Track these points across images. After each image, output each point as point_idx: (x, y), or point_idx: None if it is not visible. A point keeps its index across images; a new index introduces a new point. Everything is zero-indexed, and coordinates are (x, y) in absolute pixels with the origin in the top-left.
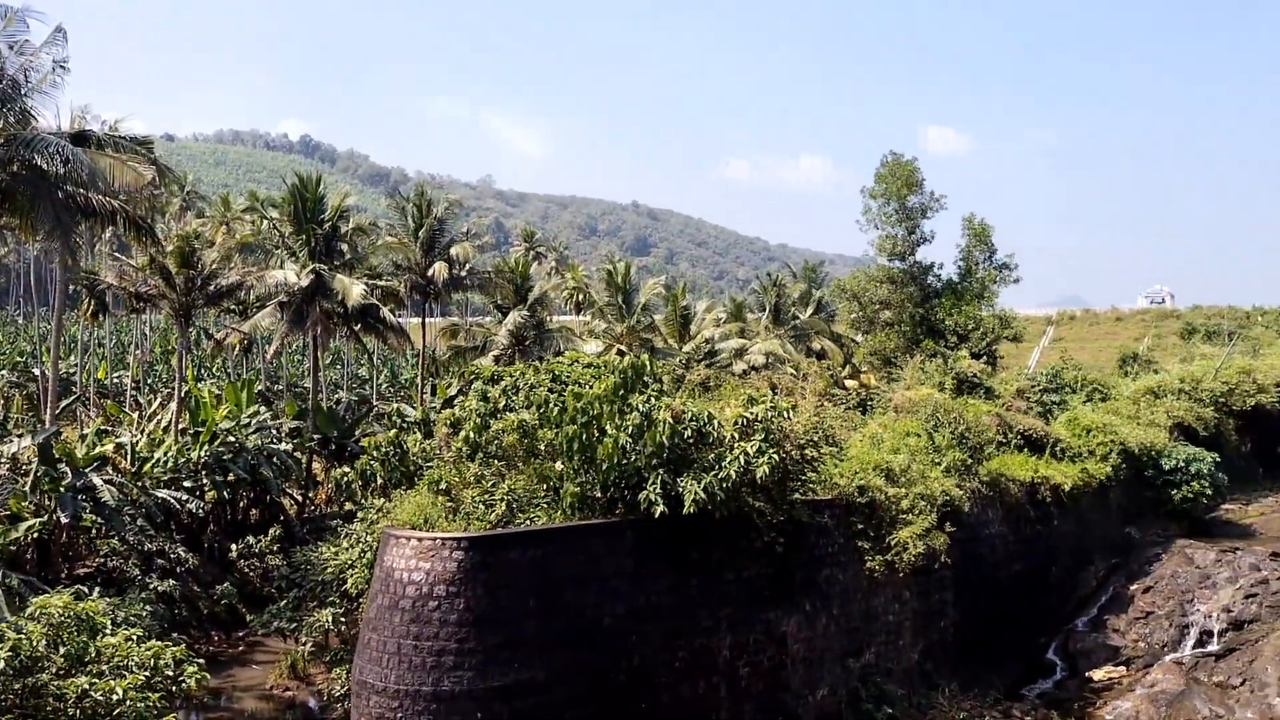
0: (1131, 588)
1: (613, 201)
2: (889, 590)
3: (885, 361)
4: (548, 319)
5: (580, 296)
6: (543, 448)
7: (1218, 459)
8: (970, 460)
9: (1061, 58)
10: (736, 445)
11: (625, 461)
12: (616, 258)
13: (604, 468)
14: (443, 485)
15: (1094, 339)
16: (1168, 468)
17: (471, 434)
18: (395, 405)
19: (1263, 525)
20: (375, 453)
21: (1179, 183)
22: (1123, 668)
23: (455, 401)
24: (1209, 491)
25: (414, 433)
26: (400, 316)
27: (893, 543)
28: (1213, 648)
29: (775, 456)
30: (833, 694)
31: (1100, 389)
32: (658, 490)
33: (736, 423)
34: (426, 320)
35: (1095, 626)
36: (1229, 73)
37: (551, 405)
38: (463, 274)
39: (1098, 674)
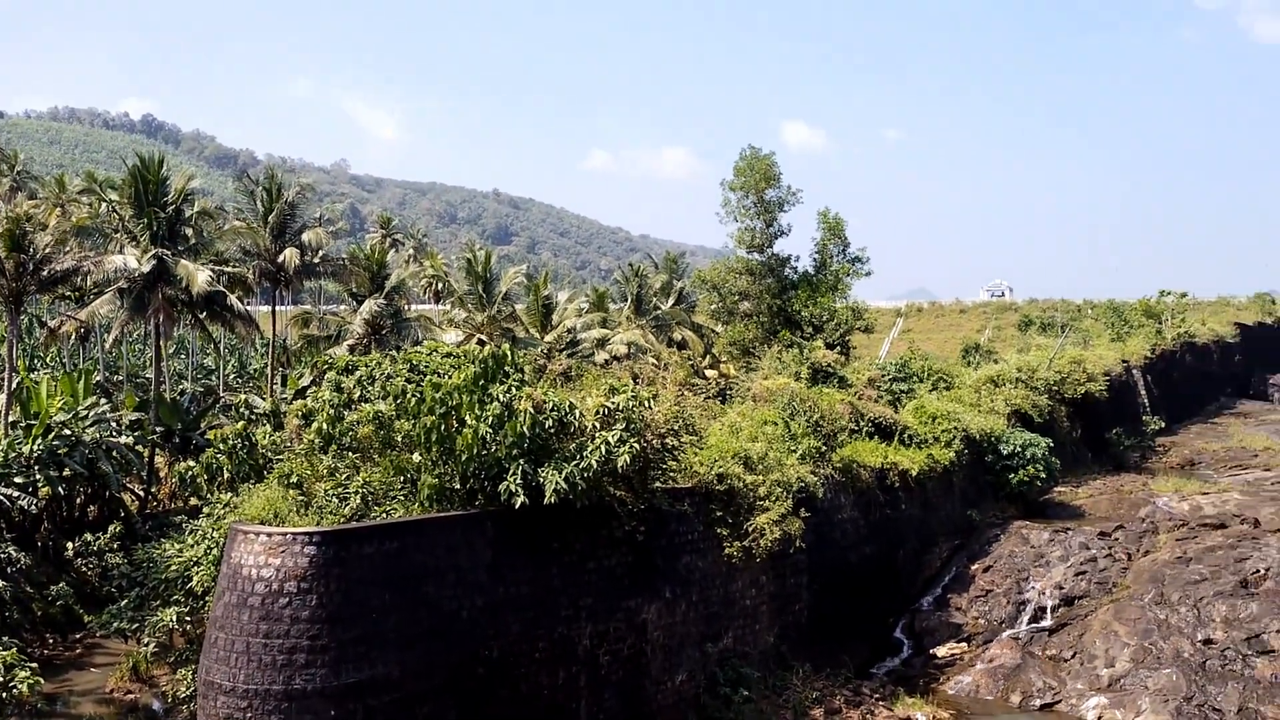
0: (972, 567)
1: (473, 189)
2: (747, 575)
3: (744, 351)
4: (405, 308)
5: (439, 285)
6: (399, 439)
7: (1051, 444)
8: (824, 447)
9: (913, 58)
10: (598, 435)
11: (485, 452)
12: (477, 246)
13: (463, 459)
14: (294, 479)
15: (940, 330)
16: (1006, 453)
17: (324, 425)
18: (243, 396)
19: (1091, 506)
20: (222, 446)
21: (1018, 182)
22: (964, 644)
23: (308, 392)
24: (1043, 475)
25: (263, 425)
26: (249, 304)
27: (750, 529)
28: (1046, 623)
29: (636, 446)
30: (691, 679)
31: (945, 378)
32: (518, 481)
33: (598, 412)
34: (277, 308)
35: (939, 605)
36: (1066, 79)
37: (409, 395)
38: (315, 261)
39: (941, 651)
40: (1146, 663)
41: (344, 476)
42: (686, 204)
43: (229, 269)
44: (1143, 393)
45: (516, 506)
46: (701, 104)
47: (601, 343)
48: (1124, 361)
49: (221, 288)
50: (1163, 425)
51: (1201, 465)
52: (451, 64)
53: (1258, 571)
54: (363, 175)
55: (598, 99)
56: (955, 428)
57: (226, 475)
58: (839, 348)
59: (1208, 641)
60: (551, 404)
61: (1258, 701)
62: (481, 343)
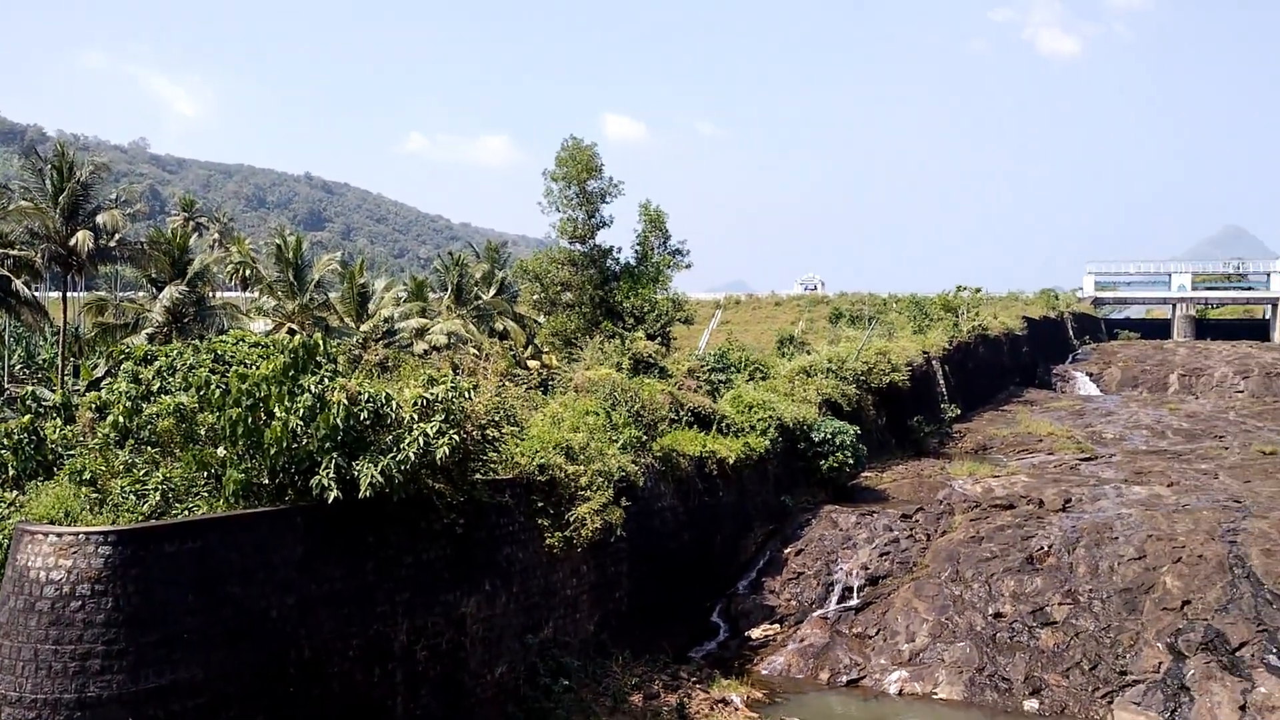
0: (786, 551)
1: (284, 172)
2: (568, 565)
3: (566, 342)
4: (210, 295)
5: (247, 271)
6: (203, 433)
7: (859, 431)
8: (645, 437)
9: (731, 54)
10: (416, 426)
11: (296, 446)
12: (288, 231)
13: (272, 452)
14: (87, 475)
15: (756, 322)
16: (817, 440)
17: (121, 419)
18: (30, 388)
19: (895, 490)
20: (6, 441)
21: (829, 179)
22: (778, 625)
23: (102, 384)
24: (851, 461)
25: (53, 418)
26: (37, 290)
27: (572, 519)
28: (853, 602)
29: (456, 437)
30: (512, 670)
31: (761, 369)
32: (331, 474)
33: (416, 403)
34: (68, 295)
35: (754, 589)
36: (868, 82)
37: (213, 387)
38: (111, 245)
39: (756, 632)
40: (943, 637)
41: (142, 472)
42: (508, 193)
43: (14, 252)
44: (941, 382)
45: (329, 501)
46: (521, 92)
47: (420, 332)
48: (925, 353)
49: (6, 272)
50: (959, 413)
51: (993, 450)
52: (259, 39)
53: (1042, 549)
54: (164, 155)
55: (415, 81)
56: (770, 417)
57: (11, 473)
58: (660, 339)
59: (998, 615)
60: (367, 395)
61: (1042, 670)
62: (292, 332)
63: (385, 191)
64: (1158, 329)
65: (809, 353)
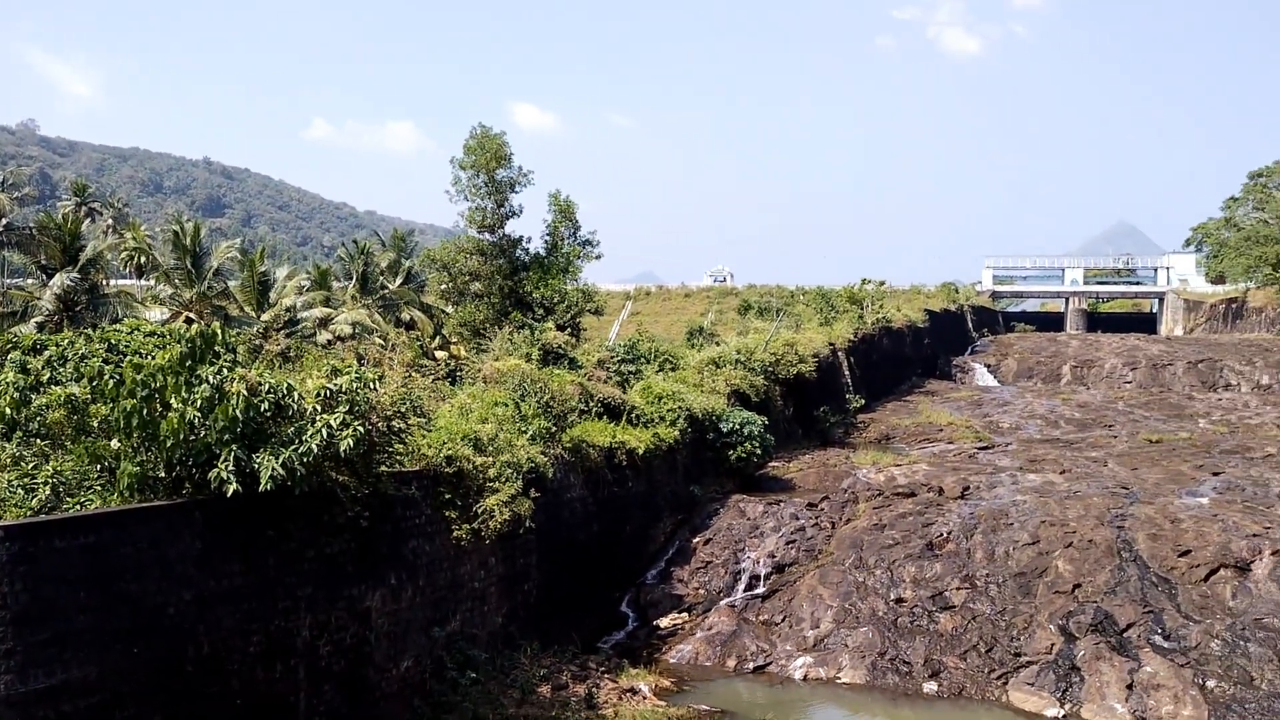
0: (694, 540)
1: (181, 156)
2: (476, 557)
3: (475, 332)
4: (103, 283)
5: (143, 259)
6: (96, 424)
7: (766, 422)
8: (555, 428)
9: (643, 46)
10: (319, 418)
11: (193, 438)
12: (185, 217)
13: (168, 445)
14: None
15: (667, 313)
16: (726, 430)
17: (8, 410)
18: None
19: (801, 479)
20: None
21: (739, 172)
22: (686, 614)
23: None
24: (759, 451)
25: None
26: None
27: (480, 511)
28: (760, 590)
29: (361, 429)
30: (418, 664)
31: (671, 359)
32: (230, 467)
33: (319, 394)
34: None
35: (663, 578)
36: (778, 77)
37: (106, 377)
38: None
39: (664, 621)
40: (847, 622)
41: (31, 466)
42: (415, 181)
43: None
44: (846, 373)
45: (228, 495)
46: (429, 79)
47: (324, 322)
48: (831, 344)
49: None
50: (863, 403)
51: (896, 439)
52: (154, 17)
53: (941, 535)
54: (54, 137)
55: (319, 66)
56: (680, 407)
57: None
58: (570, 329)
59: (899, 600)
60: (268, 386)
61: (940, 653)
62: (190, 321)
63: (288, 178)
64: (1052, 322)
65: (718, 344)
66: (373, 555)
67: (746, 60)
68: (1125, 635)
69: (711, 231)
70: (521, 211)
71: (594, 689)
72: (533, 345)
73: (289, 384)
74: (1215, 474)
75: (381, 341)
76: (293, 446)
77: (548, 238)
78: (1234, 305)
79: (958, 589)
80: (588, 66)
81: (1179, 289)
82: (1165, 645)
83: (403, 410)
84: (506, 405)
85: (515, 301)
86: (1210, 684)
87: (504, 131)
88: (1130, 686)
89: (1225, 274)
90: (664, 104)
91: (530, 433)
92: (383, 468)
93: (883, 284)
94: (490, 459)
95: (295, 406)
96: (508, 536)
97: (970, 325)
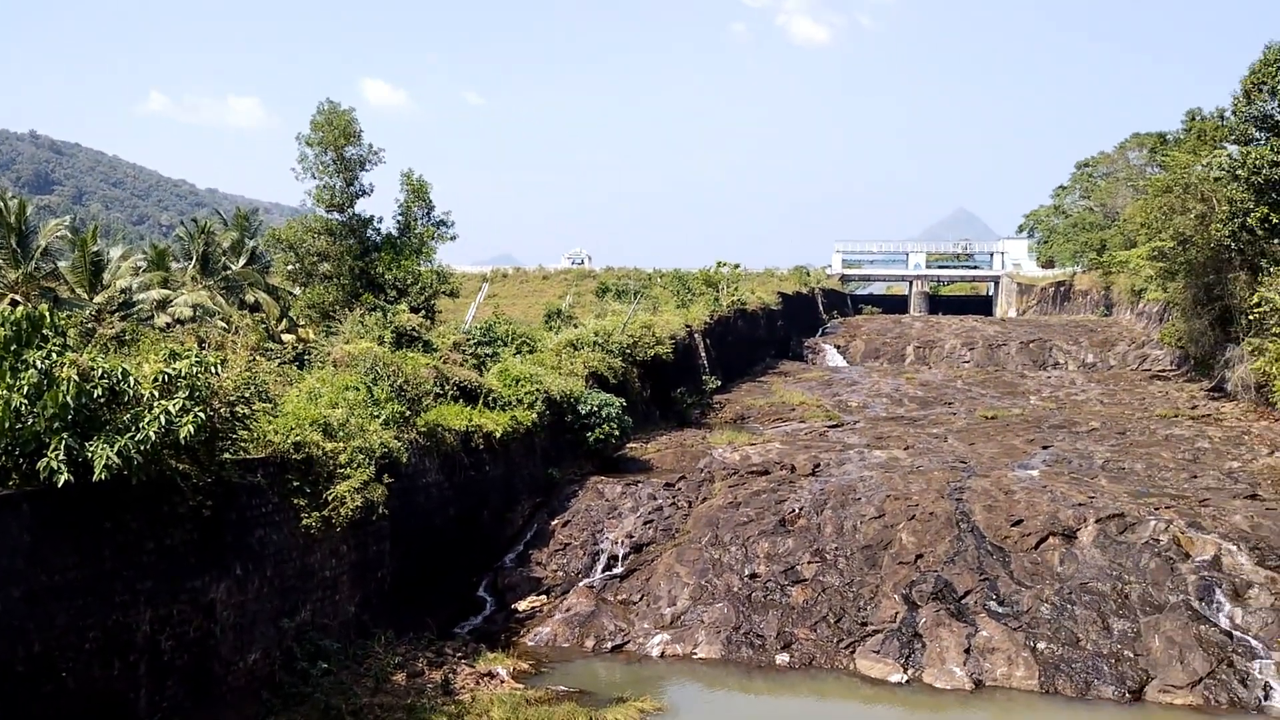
0: (552, 523)
1: (4, 129)
2: (326, 546)
3: (324, 315)
4: None
5: None
6: None
7: (624, 403)
8: (409, 412)
9: (499, 24)
10: (157, 404)
11: (20, 426)
12: (9, 194)
13: None
14: None
15: (524, 296)
16: (584, 412)
17: None
18: None
19: (658, 460)
20: None
21: (597, 154)
22: (544, 596)
23: None
24: (617, 433)
25: None
26: None
27: (330, 498)
28: (618, 570)
29: (202, 415)
30: (266, 656)
31: (529, 342)
32: (61, 457)
33: (157, 380)
34: None
35: (521, 561)
36: (634, 58)
37: None
38: None
39: (523, 605)
40: (703, 599)
41: None
42: (260, 158)
43: None
44: (703, 354)
45: (60, 485)
46: (275, 52)
47: (162, 304)
48: (687, 326)
49: None
50: (719, 384)
51: (750, 419)
52: None
53: (793, 511)
54: None
55: (156, 35)
56: (538, 390)
57: None
58: (424, 311)
59: (753, 576)
60: (101, 371)
61: (792, 625)
62: (15, 303)
63: (122, 153)
64: (897, 304)
65: (576, 326)
66: (217, 546)
67: (604, 41)
68: (963, 602)
69: (570, 214)
70: (372, 190)
71: (451, 675)
72: (385, 328)
73: (124, 369)
74: (1045, 447)
75: (224, 324)
76: (129, 434)
77: (400, 218)
78: (1062, 288)
79: (809, 563)
80: (440, 43)
81: (1013, 273)
82: (1000, 610)
83: (247, 395)
84: (358, 389)
85: (366, 283)
86: (1040, 646)
87: (353, 108)
88: (968, 651)
89: (1054, 259)
90: (520, 83)
91: (383, 417)
92: (226, 455)
93: (737, 267)
94: (341, 444)
95: (131, 392)
96: (360, 523)
97: (821, 308)
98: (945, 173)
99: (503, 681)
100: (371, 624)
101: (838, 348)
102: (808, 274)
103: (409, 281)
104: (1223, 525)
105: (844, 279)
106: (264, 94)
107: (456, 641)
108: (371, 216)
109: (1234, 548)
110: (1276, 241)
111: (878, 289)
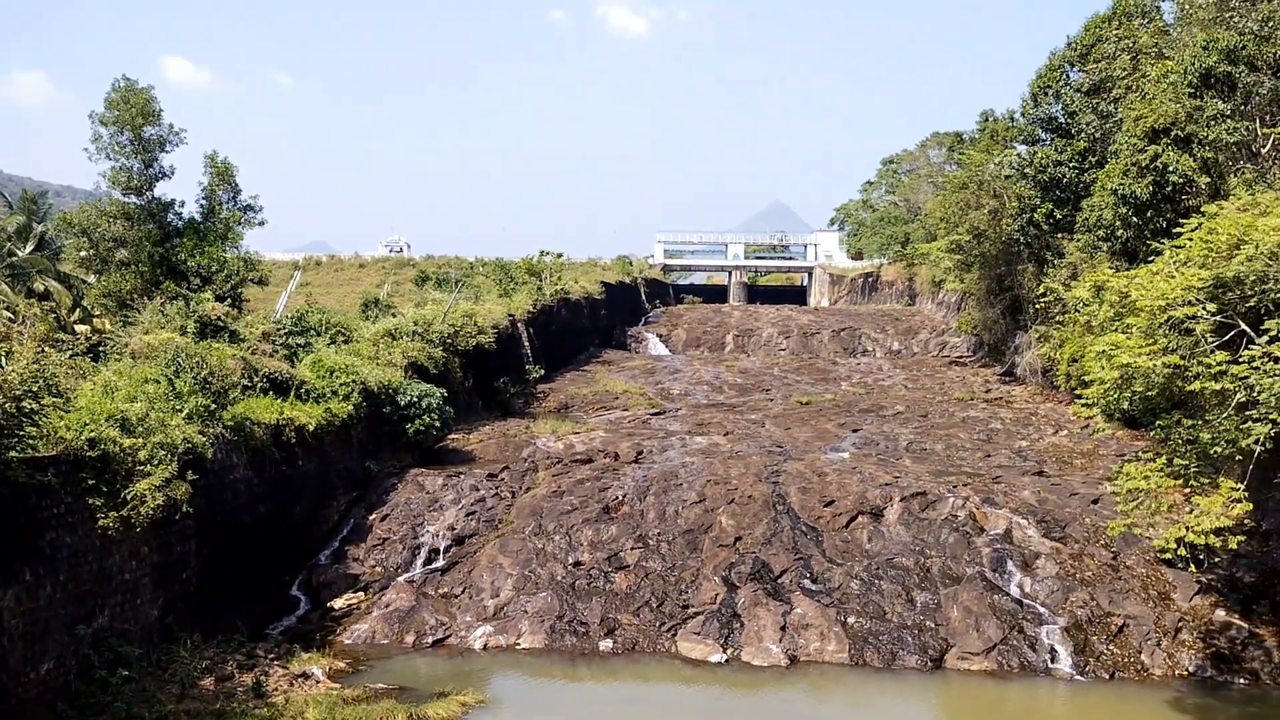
0: (370, 517)
1: None
2: (126, 547)
3: (122, 304)
4: None
5: None
6: None
7: (445, 394)
8: (215, 405)
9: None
10: None
11: None
12: None
13: None
14: None
15: (340, 284)
16: (403, 404)
17: None
18: None
19: (481, 451)
20: None
21: (415, 141)
22: (362, 593)
23: None
24: (438, 424)
25: None
26: None
27: (129, 497)
28: (439, 564)
29: None
30: (61, 665)
31: (344, 332)
32: None
33: None
34: None
35: (337, 558)
36: (456, 46)
37: None
38: None
39: (339, 602)
40: (527, 589)
41: None
42: (49, 137)
43: None
44: (526, 344)
45: None
46: (65, 26)
47: None
48: (510, 315)
49: None
50: (543, 373)
51: (574, 408)
52: None
53: (617, 498)
54: None
55: None
56: (354, 381)
57: None
58: (230, 300)
59: (577, 564)
60: None
61: (616, 611)
62: None
63: None
64: (717, 294)
65: (395, 316)
66: (2, 551)
67: (422, 22)
68: (779, 581)
69: (387, 201)
70: (173, 173)
71: (263, 677)
72: (188, 317)
73: None
74: (855, 431)
75: (10, 314)
76: None
77: (204, 202)
78: (870, 279)
79: (632, 549)
80: (245, 19)
81: (825, 264)
82: (813, 588)
83: (35, 390)
84: (159, 382)
85: (168, 270)
86: (851, 620)
87: (152, 85)
88: (784, 628)
89: (863, 251)
90: (333, 65)
91: (186, 411)
92: (13, 453)
93: (561, 256)
94: (140, 440)
95: None
96: (162, 523)
97: (644, 297)
98: (762, 167)
99: (318, 682)
100: (177, 628)
101: (660, 336)
102: (631, 264)
103: (214, 269)
104: (1013, 500)
105: (666, 269)
106: (52, 69)
107: (269, 643)
108: (173, 200)
109: (1023, 521)
110: (1060, 236)
111: (699, 279)
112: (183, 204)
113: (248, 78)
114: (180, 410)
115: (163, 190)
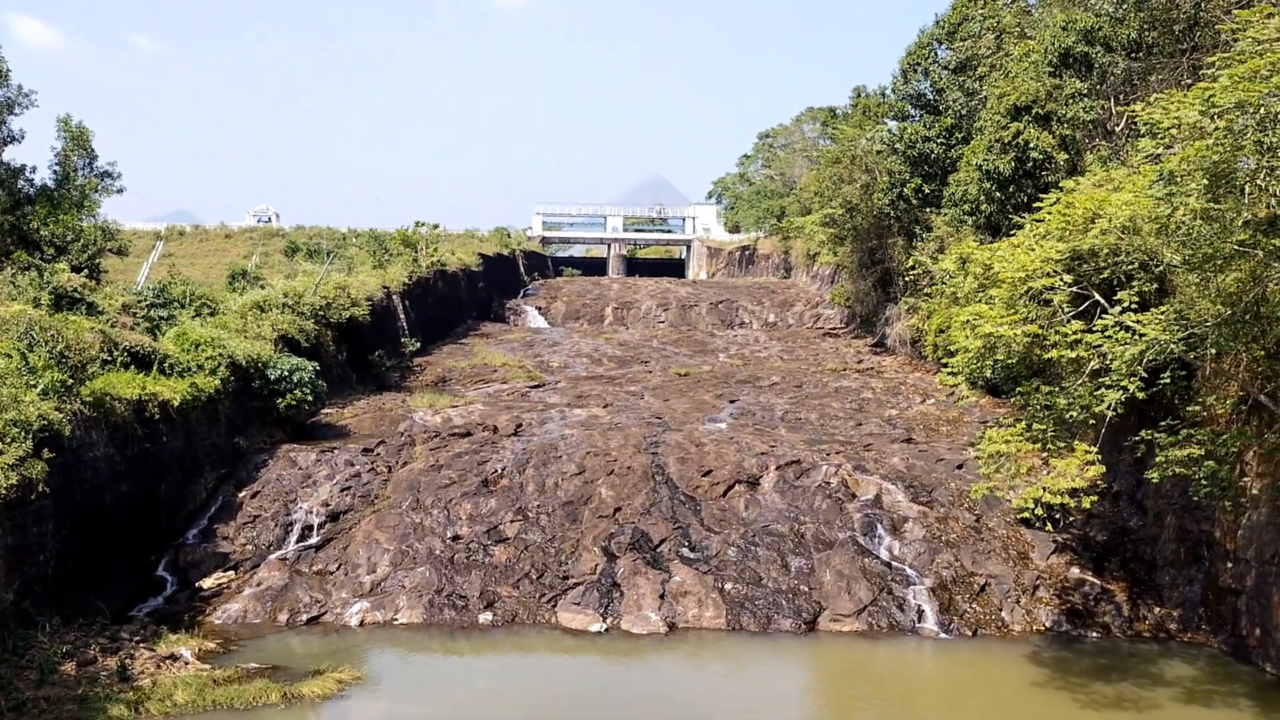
0: (240, 495)
1: None
2: None
3: None
4: None
5: None
6: None
7: (318, 368)
8: (72, 380)
9: None
10: None
11: None
12: None
13: None
14: None
15: (205, 255)
16: (273, 378)
17: None
18: None
19: (356, 425)
20: None
21: (283, 109)
22: (232, 572)
23: None
24: (310, 398)
25: None
26: None
27: None
28: (313, 540)
29: None
30: None
31: (210, 304)
32: None
33: None
34: None
35: (206, 537)
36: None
37: None
38: None
39: (208, 582)
40: (404, 564)
41: None
42: None
43: None
44: (402, 317)
45: None
46: None
47: None
48: (385, 287)
49: None
50: (419, 346)
51: (452, 381)
52: None
53: (496, 471)
54: None
55: None
56: (221, 354)
57: None
58: (87, 271)
59: (456, 538)
60: None
61: (495, 583)
62: None
63: None
64: (597, 266)
65: (264, 287)
66: None
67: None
68: (658, 550)
69: (255, 170)
70: (23, 137)
71: (128, 660)
72: (42, 289)
73: None
74: (732, 401)
75: None
76: None
77: (57, 168)
78: (747, 252)
79: (511, 522)
80: None
81: (703, 237)
82: (691, 556)
83: None
84: (10, 357)
85: (19, 239)
86: (728, 586)
87: None
88: (663, 596)
89: (740, 224)
90: (198, 29)
91: (41, 387)
92: None
93: (437, 228)
94: None
95: None
96: (16, 504)
97: (523, 269)
98: (640, 139)
99: (187, 663)
100: (35, 612)
101: (539, 309)
102: (509, 236)
103: (69, 238)
104: (883, 467)
105: (545, 241)
106: None
107: (134, 625)
108: (23, 166)
109: (892, 487)
110: (928, 210)
111: (578, 251)
112: (34, 170)
113: (104, 40)
114: (35, 386)
115: (12, 155)
